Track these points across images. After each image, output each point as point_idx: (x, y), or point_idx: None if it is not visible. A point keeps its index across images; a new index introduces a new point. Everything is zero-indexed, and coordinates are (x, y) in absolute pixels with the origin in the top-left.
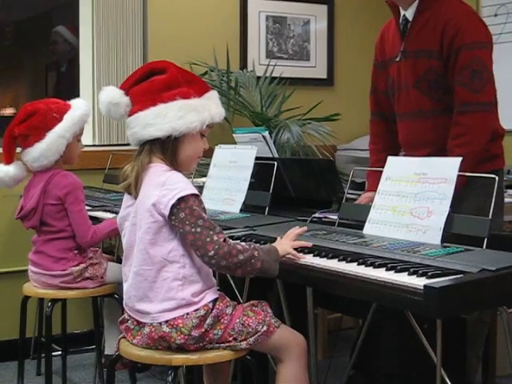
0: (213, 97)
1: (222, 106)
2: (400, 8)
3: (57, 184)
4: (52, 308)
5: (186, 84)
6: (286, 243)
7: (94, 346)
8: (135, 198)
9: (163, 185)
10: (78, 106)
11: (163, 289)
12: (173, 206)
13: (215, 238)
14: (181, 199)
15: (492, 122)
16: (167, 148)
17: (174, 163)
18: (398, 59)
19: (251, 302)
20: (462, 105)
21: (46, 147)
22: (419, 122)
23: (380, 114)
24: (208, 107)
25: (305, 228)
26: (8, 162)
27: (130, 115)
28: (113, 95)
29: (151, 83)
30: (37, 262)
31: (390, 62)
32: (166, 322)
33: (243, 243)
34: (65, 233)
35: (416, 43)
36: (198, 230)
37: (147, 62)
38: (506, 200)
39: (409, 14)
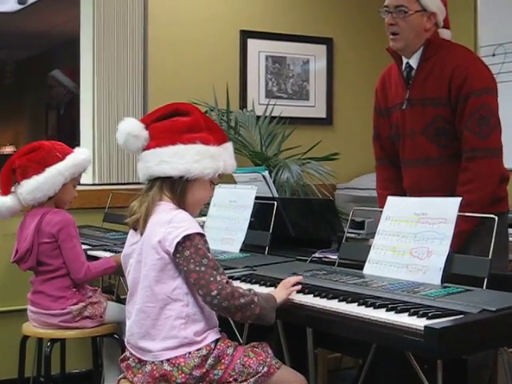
0: (229, 148)
1: (234, 159)
2: (402, 56)
3: (49, 221)
4: (51, 348)
5: (207, 130)
6: (283, 293)
7: None
8: (141, 233)
9: (169, 222)
10: (81, 152)
11: (166, 327)
12: (178, 244)
13: (218, 278)
14: (186, 237)
15: (499, 168)
16: (177, 188)
17: (182, 204)
18: (404, 107)
19: (252, 343)
20: (471, 151)
21: (44, 181)
22: (426, 169)
23: (386, 160)
24: (224, 157)
25: (300, 277)
26: (5, 193)
27: (145, 149)
28: (133, 127)
29: (173, 123)
30: (35, 301)
31: (393, 109)
32: (168, 360)
33: (243, 287)
34: (62, 270)
35: (422, 91)
36: (203, 268)
37: (172, 102)
38: (511, 240)
39: (413, 61)
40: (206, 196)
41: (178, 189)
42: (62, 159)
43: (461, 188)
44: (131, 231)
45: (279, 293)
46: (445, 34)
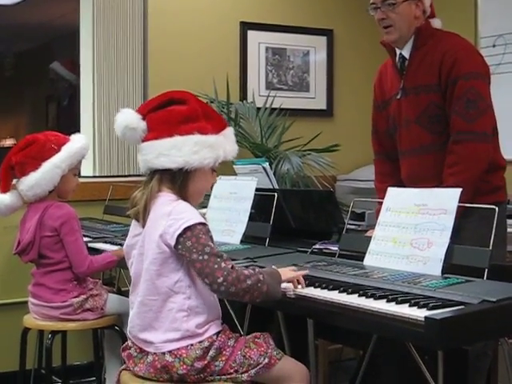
0: (229, 134)
1: (235, 144)
2: (395, 47)
3: (51, 215)
4: (52, 340)
5: (204, 119)
6: (288, 271)
7: (95, 378)
8: (143, 226)
9: (169, 215)
10: (76, 140)
11: (168, 319)
12: (179, 236)
13: (223, 264)
14: (187, 228)
15: (487, 152)
16: (177, 180)
17: (183, 195)
18: (398, 97)
19: (254, 334)
20: (457, 134)
21: (41, 176)
22: (421, 158)
23: (384, 154)
24: (223, 145)
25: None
26: (4, 190)
27: (144, 141)
28: (130, 119)
29: (170, 113)
30: (37, 293)
31: (389, 100)
32: (170, 351)
33: (247, 268)
34: (63, 264)
35: (415, 79)
36: (206, 257)
37: (168, 91)
38: (509, 230)
39: (405, 51)
40: (207, 184)
41: (179, 180)
42: (57, 151)
43: (446, 170)
44: (134, 222)
45: (284, 270)
46: (436, 23)
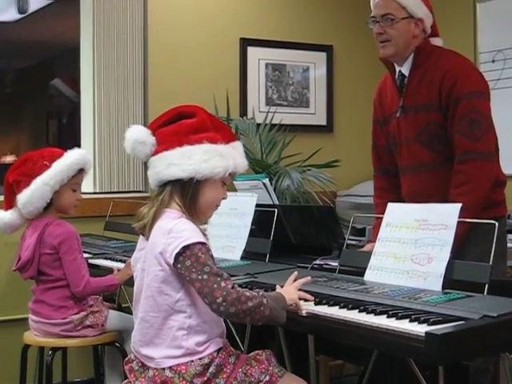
0: (238, 147)
1: (245, 158)
2: (395, 64)
3: (51, 233)
4: (52, 356)
5: (213, 129)
6: (293, 292)
7: None
8: (147, 239)
9: (169, 233)
10: (69, 155)
11: (169, 337)
12: (178, 255)
13: (223, 284)
14: (186, 247)
15: (493, 171)
16: (187, 191)
17: (192, 208)
18: (397, 115)
19: (257, 351)
20: (463, 154)
21: (31, 194)
22: (421, 175)
23: (383, 170)
24: (233, 155)
25: (309, 278)
26: (6, 207)
27: (153, 154)
28: (139, 134)
29: (179, 126)
30: (37, 310)
31: (389, 118)
32: (170, 367)
33: (250, 290)
34: (63, 281)
35: (414, 98)
36: (205, 277)
37: (177, 106)
38: (509, 245)
39: (404, 69)
40: (218, 197)
41: (189, 191)
42: (49, 167)
43: (453, 191)
44: (141, 236)
45: (289, 293)
46: (437, 42)
